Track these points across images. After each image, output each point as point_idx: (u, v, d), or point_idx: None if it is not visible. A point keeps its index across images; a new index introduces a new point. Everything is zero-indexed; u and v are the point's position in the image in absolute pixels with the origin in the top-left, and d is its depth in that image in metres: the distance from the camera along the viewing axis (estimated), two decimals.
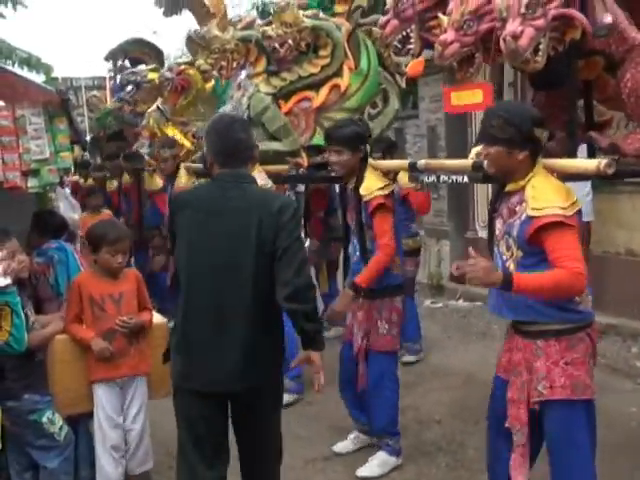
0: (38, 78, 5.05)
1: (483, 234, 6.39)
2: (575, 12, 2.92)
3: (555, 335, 2.41)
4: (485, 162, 2.56)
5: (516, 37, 2.81)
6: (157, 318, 3.35)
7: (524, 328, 2.48)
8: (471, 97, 3.36)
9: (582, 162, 2.45)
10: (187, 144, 5.86)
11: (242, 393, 2.54)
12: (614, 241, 5.84)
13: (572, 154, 3.15)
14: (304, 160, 5.06)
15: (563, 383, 2.38)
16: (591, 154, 3.29)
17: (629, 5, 3.13)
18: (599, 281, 5.15)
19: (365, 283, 3.43)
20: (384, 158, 4.70)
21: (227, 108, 5.25)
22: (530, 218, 2.35)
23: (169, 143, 5.51)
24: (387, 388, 3.59)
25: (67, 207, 5.50)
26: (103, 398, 3.12)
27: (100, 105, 8.64)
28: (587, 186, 5.26)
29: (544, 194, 2.37)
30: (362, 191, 3.50)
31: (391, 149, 5.12)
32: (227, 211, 2.50)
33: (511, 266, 2.44)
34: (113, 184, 7.18)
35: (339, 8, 5.19)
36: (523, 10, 2.80)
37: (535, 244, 2.36)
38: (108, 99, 8.86)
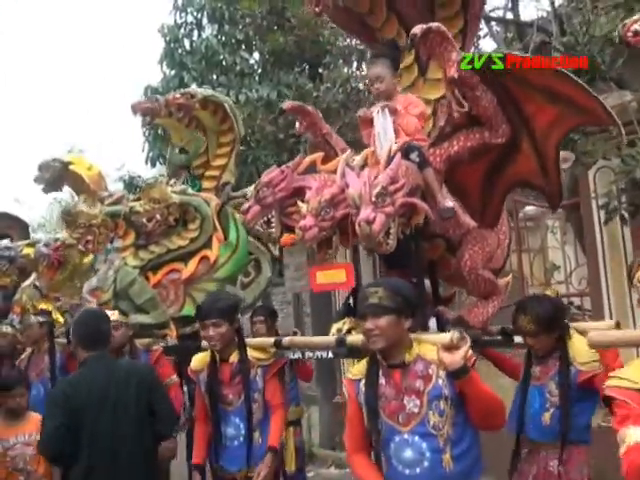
0: None
1: None
2: (418, 201, 3.18)
3: None
4: (371, 338, 2.45)
5: (369, 222, 2.95)
6: None
7: None
8: (335, 276, 3.48)
9: (439, 336, 2.59)
10: (60, 319, 5.44)
11: None
12: None
13: (424, 327, 3.21)
14: (172, 332, 4.82)
15: None
16: (440, 326, 3.43)
17: (461, 197, 3.44)
18: None
19: (279, 442, 3.37)
20: (266, 322, 4.84)
21: (93, 282, 4.97)
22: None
23: (37, 312, 5.07)
24: None
25: None
26: None
27: None
28: None
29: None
30: (261, 355, 3.41)
31: (273, 315, 5.15)
32: (110, 383, 3.12)
33: (447, 429, 2.36)
34: None
35: (207, 184, 5.22)
36: (374, 199, 2.98)
37: (460, 396, 2.36)
38: None
